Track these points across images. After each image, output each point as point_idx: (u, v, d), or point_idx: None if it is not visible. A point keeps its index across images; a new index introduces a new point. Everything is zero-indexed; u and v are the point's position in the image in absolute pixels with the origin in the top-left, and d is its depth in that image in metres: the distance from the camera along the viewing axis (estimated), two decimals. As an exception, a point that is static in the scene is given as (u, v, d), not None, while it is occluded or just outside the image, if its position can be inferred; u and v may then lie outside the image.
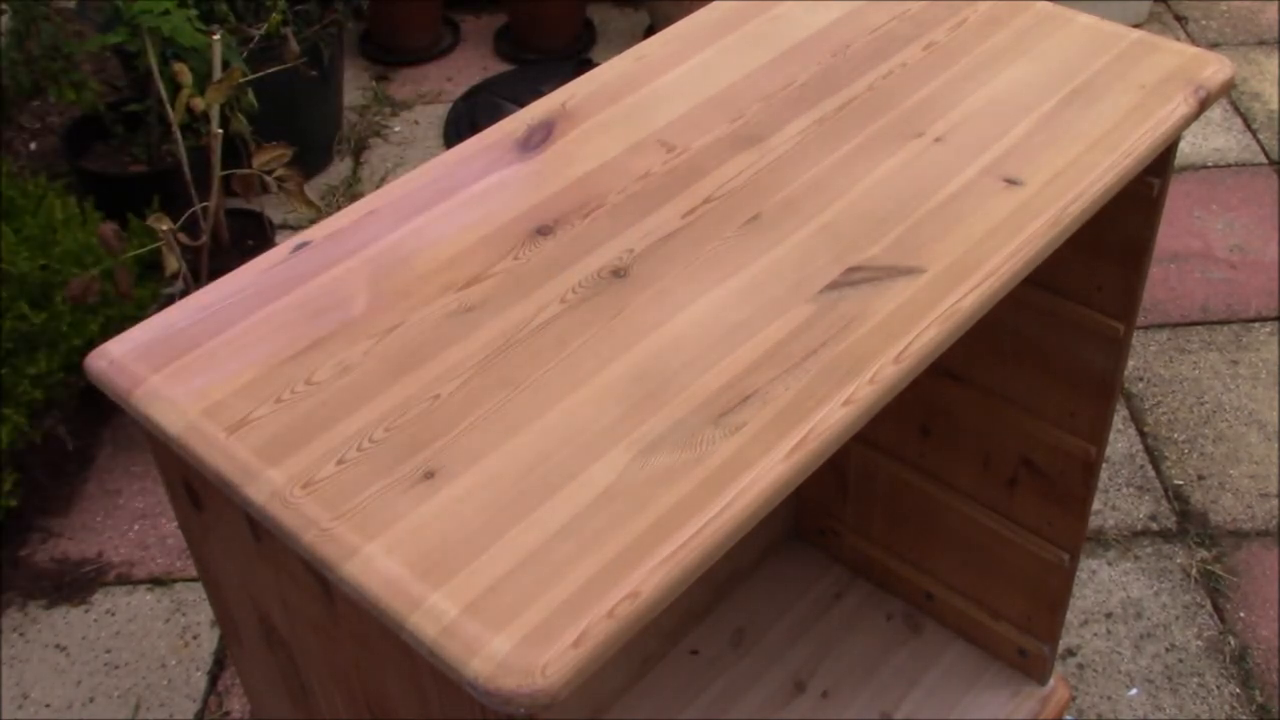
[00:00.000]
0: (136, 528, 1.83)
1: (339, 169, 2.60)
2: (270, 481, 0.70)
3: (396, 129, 2.73)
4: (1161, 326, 2.16)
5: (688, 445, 0.70)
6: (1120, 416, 1.98)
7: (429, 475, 0.69)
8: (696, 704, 1.40)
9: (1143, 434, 1.96)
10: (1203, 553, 1.77)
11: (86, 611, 1.73)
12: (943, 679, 1.42)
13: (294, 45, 2.18)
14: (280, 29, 2.27)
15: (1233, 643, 1.65)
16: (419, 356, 0.77)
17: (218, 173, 1.91)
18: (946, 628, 1.46)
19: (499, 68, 2.90)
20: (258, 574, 0.80)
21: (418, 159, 2.62)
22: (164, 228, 1.77)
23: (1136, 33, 1.05)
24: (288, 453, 0.71)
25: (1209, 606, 1.70)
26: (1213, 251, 2.31)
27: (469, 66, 2.92)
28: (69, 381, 1.82)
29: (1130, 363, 2.07)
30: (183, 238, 1.83)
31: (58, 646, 1.68)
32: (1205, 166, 2.52)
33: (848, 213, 0.87)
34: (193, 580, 1.77)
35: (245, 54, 2.18)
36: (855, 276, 0.81)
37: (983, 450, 1.31)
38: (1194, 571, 1.74)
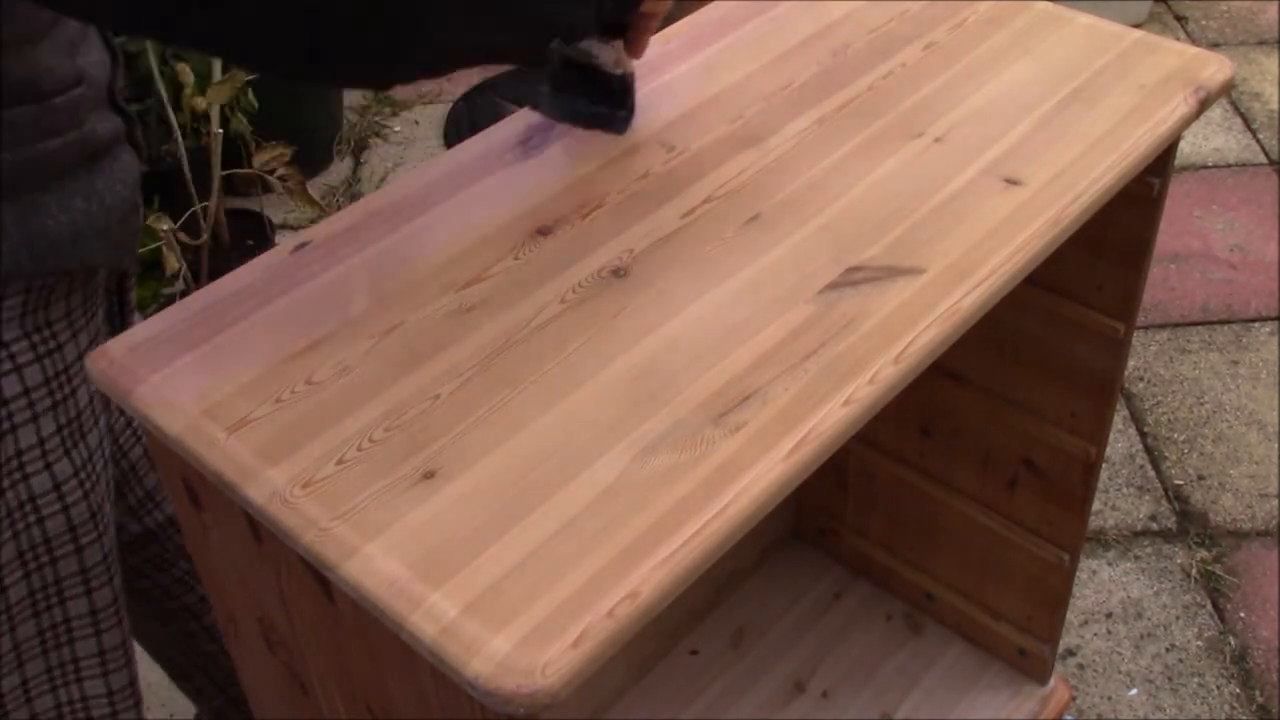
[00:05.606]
0: (136, 528, 1.83)
1: (339, 169, 2.60)
2: (270, 481, 0.70)
3: (396, 129, 2.73)
4: (1161, 326, 2.16)
5: (688, 445, 0.70)
6: (1120, 416, 1.98)
7: (429, 475, 0.69)
8: (696, 704, 1.39)
9: (1143, 434, 1.96)
10: (1203, 553, 1.77)
11: (86, 611, 1.73)
12: (943, 679, 1.42)
13: (294, 45, 2.18)
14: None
15: (1233, 643, 1.65)
16: (419, 356, 0.77)
17: (218, 172, 1.92)
18: (946, 628, 1.46)
19: (499, 68, 2.90)
20: (258, 574, 0.80)
21: (418, 159, 2.62)
22: (164, 227, 1.77)
23: (1136, 33, 1.05)
24: (288, 453, 0.71)
25: (1209, 606, 1.70)
26: (1213, 251, 2.31)
27: (469, 66, 2.92)
28: (69, 381, 1.81)
29: (1130, 363, 2.07)
30: (183, 237, 1.83)
31: (58, 646, 1.68)
32: (1205, 166, 2.52)
33: (848, 213, 0.87)
34: (193, 580, 1.77)
35: (245, 54, 2.17)
36: (855, 276, 0.81)
37: (983, 450, 1.31)
38: (1194, 571, 1.75)
